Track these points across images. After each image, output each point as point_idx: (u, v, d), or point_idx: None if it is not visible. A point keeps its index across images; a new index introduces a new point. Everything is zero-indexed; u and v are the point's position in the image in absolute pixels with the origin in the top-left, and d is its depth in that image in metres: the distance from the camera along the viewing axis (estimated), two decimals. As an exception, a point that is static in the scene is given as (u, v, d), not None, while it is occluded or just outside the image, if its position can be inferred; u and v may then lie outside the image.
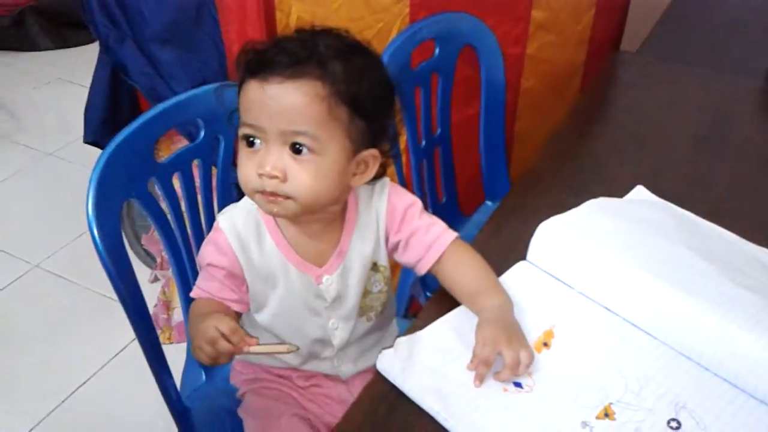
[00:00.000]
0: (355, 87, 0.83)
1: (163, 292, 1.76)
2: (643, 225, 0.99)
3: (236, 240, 0.91)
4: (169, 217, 1.03)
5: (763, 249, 0.99)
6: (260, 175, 0.82)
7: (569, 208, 1.01)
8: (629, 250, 0.92)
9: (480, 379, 0.79)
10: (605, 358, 0.84)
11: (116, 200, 0.93)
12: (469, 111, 1.46)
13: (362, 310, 0.99)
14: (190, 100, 1.03)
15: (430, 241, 0.94)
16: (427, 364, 0.82)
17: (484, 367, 0.79)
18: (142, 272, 1.94)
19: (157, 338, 1.02)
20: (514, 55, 1.49)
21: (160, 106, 0.99)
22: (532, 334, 0.86)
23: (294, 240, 0.92)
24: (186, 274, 1.07)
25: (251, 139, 0.83)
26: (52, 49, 3.10)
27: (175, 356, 1.13)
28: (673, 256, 0.92)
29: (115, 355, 1.74)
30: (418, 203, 0.96)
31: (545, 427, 0.76)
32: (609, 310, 0.90)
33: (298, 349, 0.85)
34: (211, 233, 0.93)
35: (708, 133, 1.29)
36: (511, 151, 1.61)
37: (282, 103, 0.81)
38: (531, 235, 0.97)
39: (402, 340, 0.85)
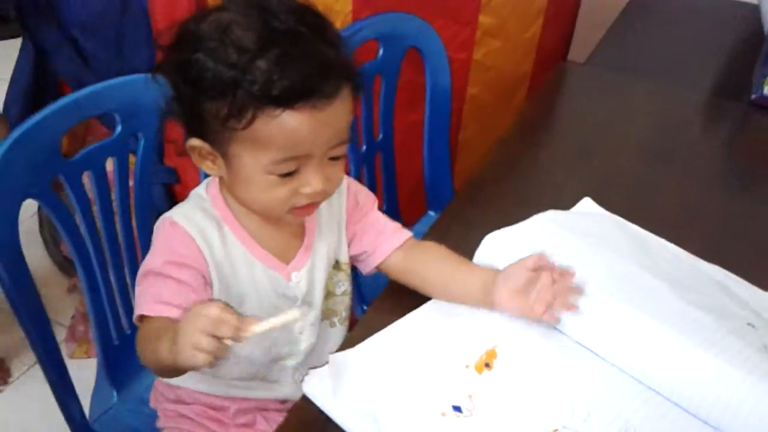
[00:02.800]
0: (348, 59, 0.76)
1: (81, 303, 1.64)
2: (592, 240, 0.94)
3: (198, 234, 0.80)
4: (77, 219, 0.92)
5: (713, 266, 0.95)
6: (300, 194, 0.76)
7: (514, 218, 0.96)
8: (578, 266, 0.86)
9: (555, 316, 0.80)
10: (551, 380, 0.79)
11: (13, 198, 0.83)
12: (412, 116, 1.40)
13: (325, 314, 0.91)
14: (106, 91, 0.93)
15: (386, 233, 0.90)
16: (359, 385, 0.74)
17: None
18: (59, 281, 1.81)
19: (59, 353, 0.92)
20: (461, 61, 1.44)
21: (71, 96, 0.90)
22: (473, 353, 0.80)
23: (257, 233, 0.83)
24: (96, 283, 0.97)
25: (291, 171, 0.75)
26: (-26, 42, 2.93)
27: (87, 374, 1.03)
28: (623, 273, 0.88)
29: (24, 372, 1.60)
30: (376, 201, 0.93)
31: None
32: (555, 328, 0.84)
33: (303, 314, 0.74)
34: (163, 230, 0.81)
35: (655, 144, 1.26)
36: (455, 160, 1.56)
37: (335, 123, 0.74)
38: (475, 245, 0.92)
39: (334, 357, 0.77)
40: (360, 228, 0.92)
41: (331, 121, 0.73)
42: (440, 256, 0.89)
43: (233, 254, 0.82)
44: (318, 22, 0.75)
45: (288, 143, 0.72)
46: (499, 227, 0.94)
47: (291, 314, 0.69)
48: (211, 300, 0.73)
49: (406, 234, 0.92)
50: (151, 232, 0.84)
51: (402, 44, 1.27)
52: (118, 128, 0.94)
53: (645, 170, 1.19)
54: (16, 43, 1.60)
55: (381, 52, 1.25)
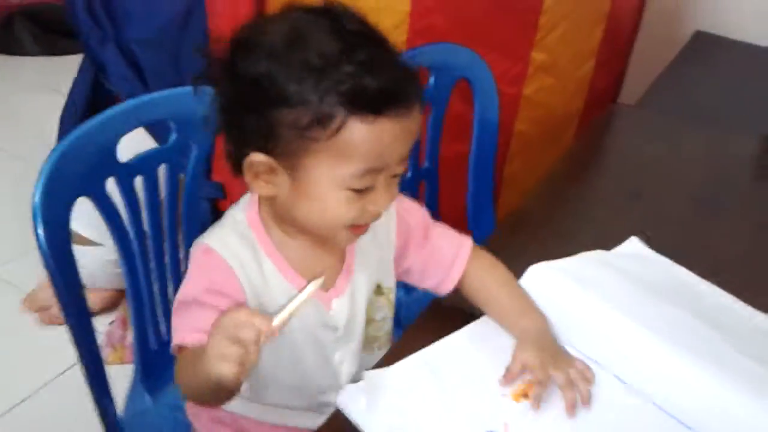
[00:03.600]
0: None
1: (124, 306, 1.66)
2: (640, 282, 0.92)
3: (235, 261, 0.77)
4: (125, 221, 0.94)
5: (764, 314, 0.92)
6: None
7: (554, 253, 0.95)
8: (624, 304, 0.85)
9: (538, 402, 0.76)
10: (591, 417, 0.77)
11: (68, 196, 0.85)
12: (459, 147, 1.39)
13: (366, 342, 0.89)
14: (163, 99, 0.95)
15: (450, 258, 0.89)
16: (393, 403, 0.74)
17: (540, 387, 0.76)
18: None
19: (98, 354, 0.93)
20: (510, 95, 1.44)
21: (130, 102, 0.92)
22: (513, 382, 0.79)
23: (296, 259, 0.80)
24: (139, 286, 0.98)
25: (368, 187, 0.73)
26: (39, 55, 3.04)
27: (124, 377, 1.04)
28: (672, 316, 0.86)
29: (61, 373, 1.63)
30: (427, 215, 0.91)
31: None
32: (598, 364, 0.83)
33: (323, 278, 0.69)
34: (198, 257, 0.78)
35: (705, 191, 1.24)
36: (499, 194, 1.55)
37: (412, 133, 0.73)
38: (517, 274, 0.91)
39: (369, 374, 0.77)
40: (420, 262, 0.89)
41: (410, 131, 0.72)
42: (499, 284, 0.89)
43: (271, 282, 0.79)
44: (379, 32, 0.74)
45: (373, 153, 0.70)
46: (538, 260, 0.92)
47: (312, 285, 0.66)
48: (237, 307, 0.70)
49: (465, 255, 0.90)
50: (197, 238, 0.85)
51: (452, 75, 1.28)
52: (173, 136, 0.97)
53: (694, 216, 1.17)
54: (79, 59, 1.66)
55: (431, 80, 1.26)
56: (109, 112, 0.90)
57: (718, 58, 1.73)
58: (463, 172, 1.39)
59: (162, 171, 0.99)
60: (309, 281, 0.68)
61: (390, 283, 0.90)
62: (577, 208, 1.18)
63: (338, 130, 0.68)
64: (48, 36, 3.05)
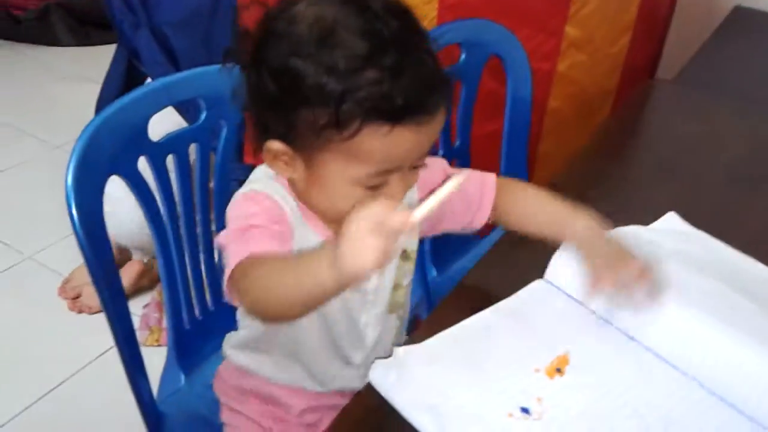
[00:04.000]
0: None
1: (158, 292, 1.68)
2: (679, 257, 0.90)
3: (284, 203, 0.76)
4: (158, 199, 0.95)
5: None
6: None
7: None
8: (661, 277, 0.83)
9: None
10: (623, 393, 0.75)
11: (100, 175, 0.86)
12: (491, 126, 1.38)
13: (392, 307, 0.89)
14: (194, 77, 0.96)
15: (477, 196, 0.88)
16: (424, 378, 0.73)
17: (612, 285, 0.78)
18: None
19: (133, 335, 0.94)
20: (544, 71, 1.42)
21: (160, 81, 0.93)
22: (544, 357, 0.78)
23: (331, 225, 0.80)
24: (172, 265, 0.99)
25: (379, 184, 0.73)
26: (74, 45, 3.08)
27: (160, 360, 1.05)
28: (710, 289, 0.84)
29: (100, 355, 1.65)
30: (445, 163, 0.90)
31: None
32: (633, 339, 0.81)
33: (462, 177, 0.66)
34: (241, 201, 0.77)
35: (743, 166, 1.20)
36: (533, 173, 1.53)
37: (432, 137, 0.72)
38: (548, 254, 0.89)
39: (399, 351, 0.76)
40: (447, 206, 0.86)
41: (430, 136, 0.72)
42: (533, 200, 0.89)
43: (310, 243, 0.79)
44: (417, 25, 0.72)
45: (387, 158, 0.70)
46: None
47: (453, 182, 0.64)
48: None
49: (491, 189, 0.89)
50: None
51: (484, 51, 1.27)
52: (203, 115, 0.97)
53: (731, 191, 1.14)
54: (113, 49, 1.68)
55: (463, 57, 1.24)
56: (139, 91, 0.90)
57: (758, 34, 1.68)
58: (496, 151, 1.37)
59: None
60: (452, 179, 0.65)
61: (414, 246, 0.90)
62: (610, 184, 1.15)
63: (354, 134, 0.68)
64: (83, 27, 3.10)
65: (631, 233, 0.95)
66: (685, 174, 1.17)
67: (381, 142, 0.68)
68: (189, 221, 1.00)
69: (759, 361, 0.74)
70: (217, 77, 0.96)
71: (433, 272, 1.30)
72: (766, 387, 0.73)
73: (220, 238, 0.76)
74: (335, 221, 0.77)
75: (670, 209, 1.04)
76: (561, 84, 1.45)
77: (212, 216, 1.04)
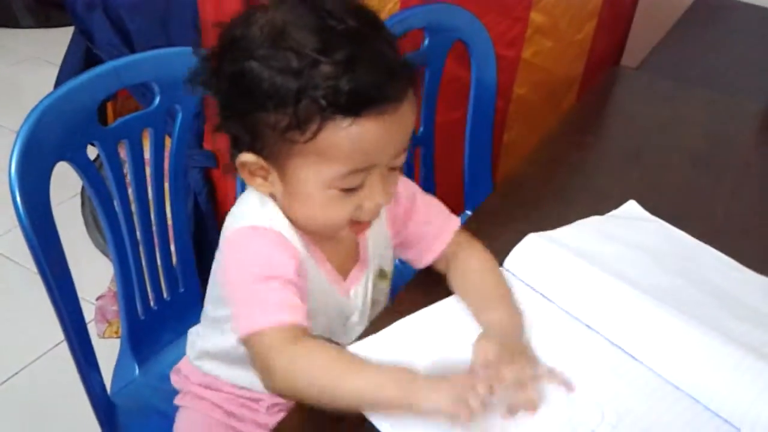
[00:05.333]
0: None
1: (113, 282, 1.65)
2: (636, 250, 0.91)
3: (286, 232, 0.74)
4: (110, 187, 0.92)
5: (764, 278, 0.90)
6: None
7: (553, 217, 0.94)
8: (621, 272, 0.84)
9: (483, 406, 0.66)
10: (582, 383, 0.74)
11: (47, 162, 0.82)
12: (455, 114, 1.36)
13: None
14: (146, 60, 0.92)
15: (434, 233, 0.85)
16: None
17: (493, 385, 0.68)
18: (96, 261, 1.83)
19: (84, 326, 0.91)
20: (509, 58, 1.40)
21: (111, 63, 0.89)
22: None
23: (323, 246, 0.79)
24: (125, 254, 0.96)
25: (355, 186, 0.71)
26: (34, 27, 3.01)
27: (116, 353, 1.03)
28: (667, 283, 0.84)
29: (57, 344, 1.62)
30: (414, 185, 0.88)
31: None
32: (591, 328, 0.81)
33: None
34: (241, 240, 0.74)
35: (706, 153, 1.21)
36: (498, 161, 1.52)
37: (402, 129, 0.70)
38: (508, 240, 0.89)
39: (354, 347, 0.74)
40: (410, 235, 0.87)
41: (398, 128, 0.69)
42: (479, 271, 0.83)
43: (306, 267, 0.77)
44: (375, 20, 0.71)
45: (355, 154, 0.68)
46: (535, 225, 0.91)
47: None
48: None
49: (450, 232, 0.86)
50: (185, 207, 0.82)
51: (448, 36, 1.25)
52: (157, 99, 0.94)
53: (695, 179, 1.14)
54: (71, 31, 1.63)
55: (426, 42, 1.22)
56: (89, 74, 0.87)
57: (721, 22, 1.69)
58: (461, 139, 1.36)
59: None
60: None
61: (390, 267, 0.89)
62: (575, 171, 1.15)
63: (316, 133, 0.66)
64: (43, 8, 3.02)
65: (590, 226, 0.94)
66: (649, 161, 1.17)
67: (345, 137, 0.66)
68: (143, 209, 0.97)
69: (713, 350, 0.74)
70: (171, 60, 0.93)
71: (395, 261, 1.29)
72: (715, 372, 0.73)
73: (227, 282, 0.73)
74: (324, 237, 0.77)
75: (634, 195, 1.04)
76: (526, 71, 1.44)
77: (167, 202, 1.01)
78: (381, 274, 0.87)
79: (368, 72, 0.65)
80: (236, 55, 0.68)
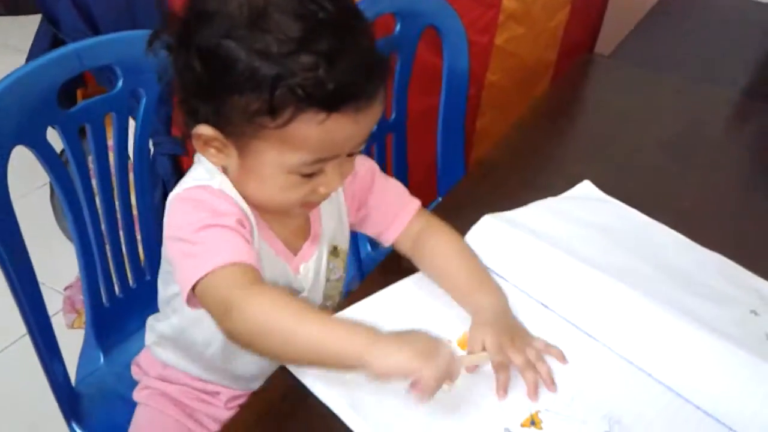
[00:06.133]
0: None
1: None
2: (589, 231, 0.91)
3: (237, 197, 0.73)
4: (71, 172, 0.90)
5: (714, 253, 0.92)
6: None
7: (523, 201, 0.95)
8: (576, 250, 0.84)
9: (504, 389, 0.70)
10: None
11: (4, 146, 0.80)
12: (428, 100, 1.35)
13: (324, 298, 0.87)
14: (108, 42, 0.90)
15: (394, 211, 0.85)
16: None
17: (504, 372, 0.71)
18: (65, 251, 1.80)
19: (46, 316, 0.89)
20: (481, 45, 1.39)
21: (72, 45, 0.87)
22: (460, 328, 0.77)
23: (270, 221, 0.78)
24: (87, 240, 0.94)
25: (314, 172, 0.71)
26: (2, 14, 2.97)
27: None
28: (620, 261, 0.85)
29: (23, 335, 1.59)
30: (374, 164, 0.87)
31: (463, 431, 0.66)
32: (546, 306, 0.81)
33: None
34: (196, 193, 0.72)
35: (677, 140, 1.21)
36: (472, 148, 1.52)
37: (371, 123, 0.70)
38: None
39: None
40: (369, 209, 0.87)
41: (369, 121, 0.69)
42: (452, 253, 0.83)
43: (254, 240, 0.75)
44: (354, 8, 0.69)
45: (324, 146, 0.67)
46: (504, 210, 0.91)
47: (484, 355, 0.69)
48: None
49: (411, 210, 0.86)
50: (151, 193, 0.81)
51: (420, 22, 1.24)
52: (120, 83, 0.92)
53: (665, 164, 1.14)
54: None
55: (398, 28, 1.21)
56: (49, 56, 0.85)
57: (694, 11, 1.69)
58: (433, 126, 1.35)
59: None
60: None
61: (345, 245, 0.88)
62: (546, 157, 1.15)
63: (288, 122, 0.65)
64: (12, -5, 2.97)
65: (545, 207, 0.95)
66: (620, 147, 1.17)
67: (317, 130, 0.65)
68: (106, 195, 0.96)
69: (666, 327, 0.75)
70: (134, 43, 0.91)
71: (368, 248, 1.28)
72: (667, 348, 0.74)
73: (175, 228, 0.71)
74: (272, 213, 0.76)
75: (604, 181, 1.04)
76: (499, 57, 1.43)
77: (132, 188, 1.00)
78: (333, 251, 0.86)
79: (348, 68, 0.64)
80: (210, 32, 0.65)
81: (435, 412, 0.67)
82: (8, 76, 0.81)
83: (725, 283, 0.85)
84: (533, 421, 0.68)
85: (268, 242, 0.78)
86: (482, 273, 0.82)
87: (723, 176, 1.14)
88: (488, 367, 0.72)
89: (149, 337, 0.92)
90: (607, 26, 1.63)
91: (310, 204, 0.76)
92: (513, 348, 0.71)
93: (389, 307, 0.79)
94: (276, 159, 0.69)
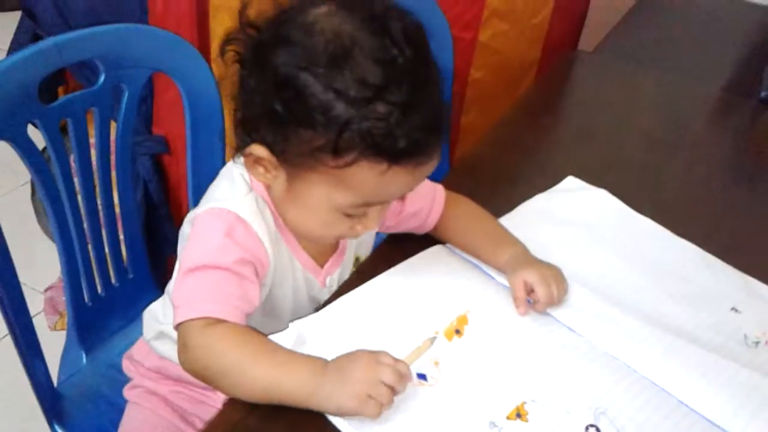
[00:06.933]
0: None
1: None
2: (573, 228, 0.93)
3: (265, 234, 0.73)
4: (52, 168, 0.89)
5: (703, 252, 0.93)
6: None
7: (505, 198, 0.96)
8: (558, 258, 0.84)
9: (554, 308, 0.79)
10: (522, 351, 0.75)
11: (-17, 140, 0.79)
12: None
13: None
14: (89, 36, 0.89)
15: (428, 204, 0.87)
16: (320, 351, 0.69)
17: (546, 302, 0.78)
18: (47, 251, 1.78)
19: (27, 316, 0.88)
20: (466, 41, 1.39)
21: (52, 39, 0.86)
22: (444, 319, 0.76)
23: (302, 239, 0.79)
24: (69, 239, 0.93)
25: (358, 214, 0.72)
26: (-17, 13, 2.91)
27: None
28: (604, 261, 0.88)
29: (3, 337, 1.57)
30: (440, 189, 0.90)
31: (449, 426, 0.66)
32: (530, 301, 0.81)
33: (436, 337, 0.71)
34: (218, 224, 0.71)
35: (660, 134, 1.22)
36: (456, 145, 1.51)
37: (425, 177, 0.70)
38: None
39: (295, 324, 0.73)
40: (403, 214, 0.86)
41: (423, 176, 0.69)
42: (473, 219, 0.88)
43: (281, 253, 0.77)
44: (431, 57, 0.69)
45: (376, 193, 0.68)
46: (489, 206, 0.91)
47: (427, 343, 0.69)
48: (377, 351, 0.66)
49: (441, 200, 0.88)
50: (133, 191, 0.80)
51: (404, 18, 1.23)
52: (102, 77, 0.91)
53: (648, 158, 1.15)
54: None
55: (382, 24, 1.21)
56: (29, 50, 0.83)
57: (676, 6, 1.70)
58: (417, 122, 1.35)
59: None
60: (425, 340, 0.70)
61: (366, 254, 0.90)
62: (531, 152, 1.15)
63: (349, 165, 0.65)
64: (-9, -8, 2.94)
65: (532, 209, 0.96)
66: (604, 141, 1.18)
67: (374, 178, 0.65)
68: (88, 192, 0.95)
69: (648, 331, 0.77)
70: (115, 37, 0.91)
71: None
72: (649, 347, 0.76)
73: (192, 255, 0.71)
74: (306, 239, 0.78)
75: (588, 175, 1.04)
76: (483, 54, 1.43)
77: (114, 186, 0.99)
78: (355, 262, 0.87)
79: (419, 125, 0.64)
80: (289, 60, 0.65)
81: (420, 407, 0.66)
82: (-15, 72, 0.80)
83: (706, 276, 0.87)
84: (519, 413, 0.68)
85: (298, 257, 0.79)
86: (503, 229, 0.87)
87: (704, 170, 1.15)
88: (474, 360, 0.72)
89: (148, 331, 0.90)
90: (591, 23, 1.64)
91: (343, 237, 0.78)
92: (555, 281, 0.78)
93: (370, 301, 0.78)
94: (325, 194, 0.69)
